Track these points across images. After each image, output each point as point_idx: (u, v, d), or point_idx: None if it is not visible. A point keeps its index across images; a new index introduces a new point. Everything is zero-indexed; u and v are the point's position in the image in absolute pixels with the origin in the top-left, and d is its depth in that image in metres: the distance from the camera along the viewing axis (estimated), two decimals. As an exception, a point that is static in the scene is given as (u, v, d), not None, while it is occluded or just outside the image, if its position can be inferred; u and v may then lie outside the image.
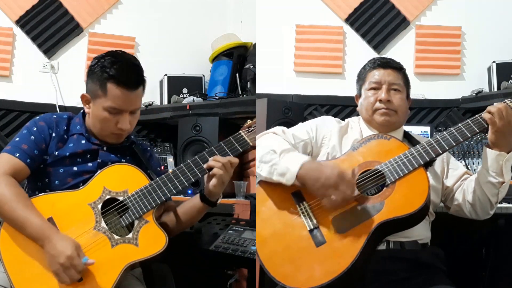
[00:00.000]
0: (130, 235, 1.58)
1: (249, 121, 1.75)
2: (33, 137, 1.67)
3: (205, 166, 1.65)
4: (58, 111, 3.20)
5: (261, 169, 1.68)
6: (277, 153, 1.66)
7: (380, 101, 1.80)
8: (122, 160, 1.76)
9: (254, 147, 1.71)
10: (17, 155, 1.63)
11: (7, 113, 3.18)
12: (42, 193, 1.63)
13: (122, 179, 1.65)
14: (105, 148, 1.74)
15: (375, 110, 1.82)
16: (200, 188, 1.73)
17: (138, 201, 1.61)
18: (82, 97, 1.73)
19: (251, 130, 1.71)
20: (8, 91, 3.21)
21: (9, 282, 1.51)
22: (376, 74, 1.85)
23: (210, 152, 1.67)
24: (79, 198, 1.61)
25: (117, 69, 1.64)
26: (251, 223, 2.30)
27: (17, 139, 1.67)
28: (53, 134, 1.71)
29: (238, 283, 2.66)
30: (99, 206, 1.60)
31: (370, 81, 1.85)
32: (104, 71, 1.64)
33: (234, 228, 2.29)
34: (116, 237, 1.57)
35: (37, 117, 1.74)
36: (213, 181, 1.64)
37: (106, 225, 1.58)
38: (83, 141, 1.74)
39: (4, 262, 1.52)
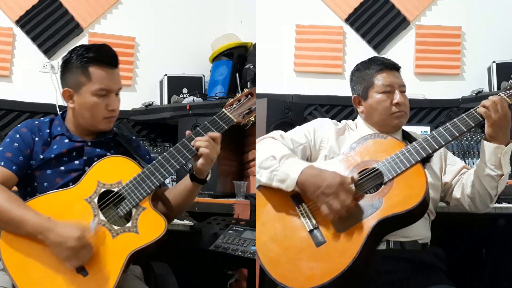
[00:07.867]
0: (129, 224, 1.58)
1: (238, 94, 1.77)
2: (17, 144, 1.67)
3: (192, 146, 1.65)
4: (58, 111, 3.20)
5: (261, 175, 1.69)
6: (276, 159, 1.66)
7: (397, 104, 1.80)
8: (108, 154, 1.75)
9: (238, 123, 1.72)
10: (2, 163, 1.62)
11: (7, 113, 3.17)
12: (36, 196, 1.62)
13: (114, 170, 1.66)
14: (89, 144, 1.74)
15: (391, 113, 1.81)
16: (188, 168, 1.73)
17: (133, 189, 1.61)
18: (64, 93, 1.72)
19: (234, 108, 1.73)
20: (8, 91, 3.20)
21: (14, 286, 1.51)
22: (386, 77, 1.83)
23: (197, 133, 1.67)
24: (74, 195, 1.61)
25: (95, 51, 1.69)
26: (251, 223, 2.30)
27: (0, 148, 1.67)
28: (36, 139, 1.70)
29: (238, 283, 2.67)
30: (96, 200, 1.60)
31: (382, 83, 1.82)
32: (83, 57, 1.68)
33: (234, 228, 2.29)
34: (115, 227, 1.57)
35: (19, 125, 1.73)
36: (201, 160, 1.64)
37: (105, 217, 1.59)
38: (66, 141, 1.73)
39: (8, 268, 1.52)
